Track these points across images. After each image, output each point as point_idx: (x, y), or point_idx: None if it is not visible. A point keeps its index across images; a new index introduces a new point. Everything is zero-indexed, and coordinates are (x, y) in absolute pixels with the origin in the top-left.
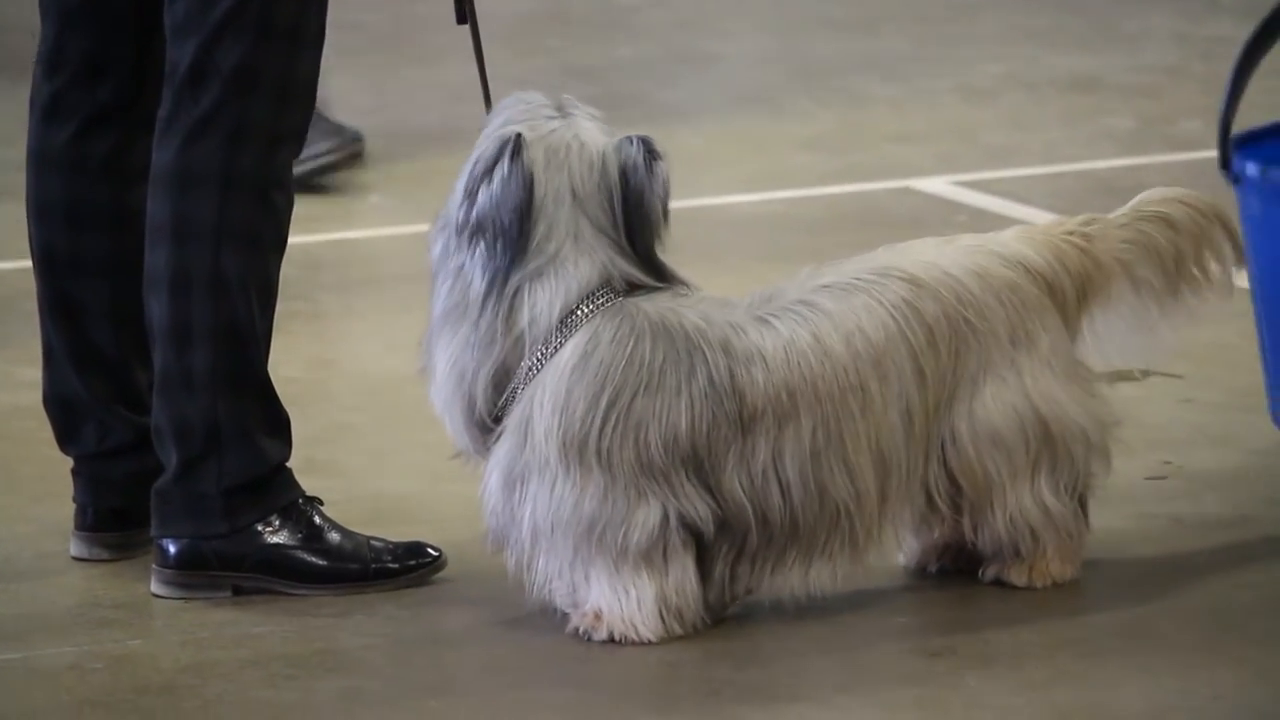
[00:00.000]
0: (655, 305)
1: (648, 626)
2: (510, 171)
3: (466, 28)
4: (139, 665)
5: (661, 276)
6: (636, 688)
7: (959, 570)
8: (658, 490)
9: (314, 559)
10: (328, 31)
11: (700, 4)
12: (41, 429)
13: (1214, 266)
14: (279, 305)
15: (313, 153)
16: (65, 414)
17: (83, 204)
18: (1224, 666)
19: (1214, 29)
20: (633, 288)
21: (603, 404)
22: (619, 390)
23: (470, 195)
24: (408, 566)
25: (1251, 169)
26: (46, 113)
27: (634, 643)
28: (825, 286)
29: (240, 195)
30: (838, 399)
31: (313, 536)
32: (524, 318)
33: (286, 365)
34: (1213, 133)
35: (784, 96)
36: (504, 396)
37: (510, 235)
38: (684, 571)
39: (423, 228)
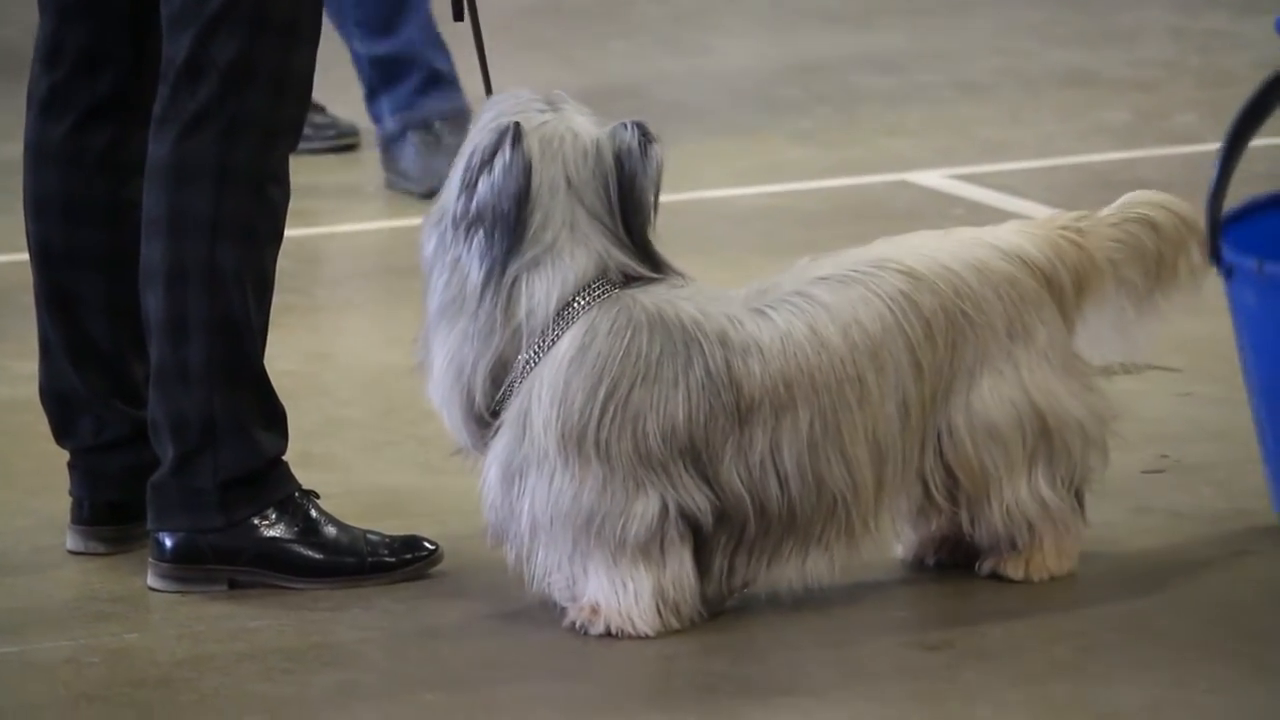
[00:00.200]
0: (652, 297)
1: (645, 620)
2: (511, 159)
3: (466, 23)
4: (136, 659)
5: (657, 266)
6: (633, 682)
7: (956, 564)
8: (656, 482)
9: (310, 553)
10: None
11: None
12: (38, 423)
13: (1184, 272)
14: (275, 298)
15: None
16: (61, 407)
17: (79, 198)
18: (1221, 660)
19: (1210, 23)
20: (629, 279)
21: (600, 396)
22: (617, 382)
23: (470, 186)
24: (404, 560)
25: (1247, 262)
26: (44, 106)
27: (631, 636)
28: (822, 278)
29: (236, 188)
30: (834, 390)
31: (309, 530)
32: (521, 309)
33: (283, 358)
34: (1208, 127)
35: (780, 90)
36: (502, 390)
37: (508, 223)
38: (681, 565)
39: (418, 221)
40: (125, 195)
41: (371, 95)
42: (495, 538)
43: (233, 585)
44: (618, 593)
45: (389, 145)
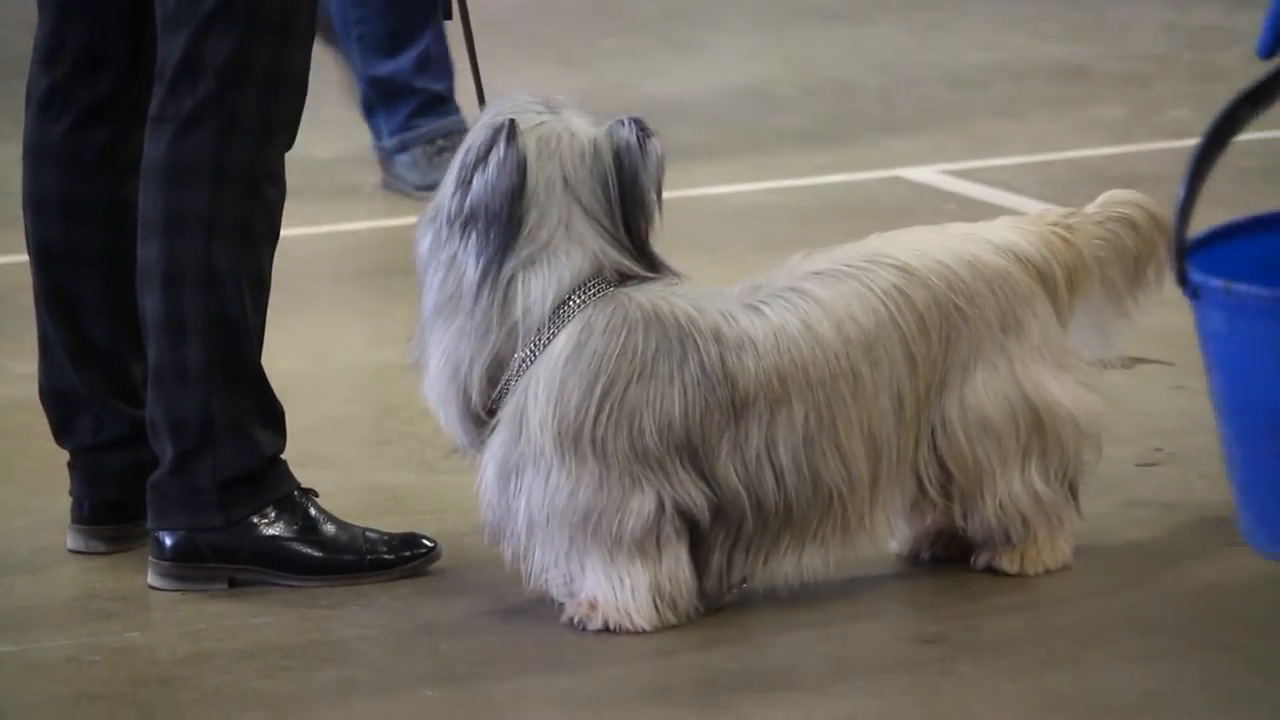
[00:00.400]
0: (646, 294)
1: (642, 615)
2: (505, 155)
3: (457, 21)
4: (136, 657)
5: (653, 266)
6: (631, 676)
7: (950, 558)
8: (652, 478)
9: (309, 550)
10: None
11: None
12: (37, 423)
13: (1152, 274)
14: (272, 298)
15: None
16: (61, 407)
17: (79, 197)
18: (1214, 652)
19: (1201, 18)
20: (624, 277)
21: (597, 393)
22: (613, 379)
23: (464, 183)
24: (403, 558)
25: (1214, 283)
26: (43, 105)
27: (629, 632)
28: (816, 274)
29: (231, 187)
30: (829, 385)
31: (308, 528)
32: (518, 307)
33: (281, 357)
34: (1201, 121)
35: (774, 87)
36: (498, 389)
37: (502, 220)
38: (678, 560)
39: (414, 219)
40: (123, 195)
41: (369, 111)
42: (492, 535)
43: (232, 583)
44: (615, 588)
45: (387, 157)
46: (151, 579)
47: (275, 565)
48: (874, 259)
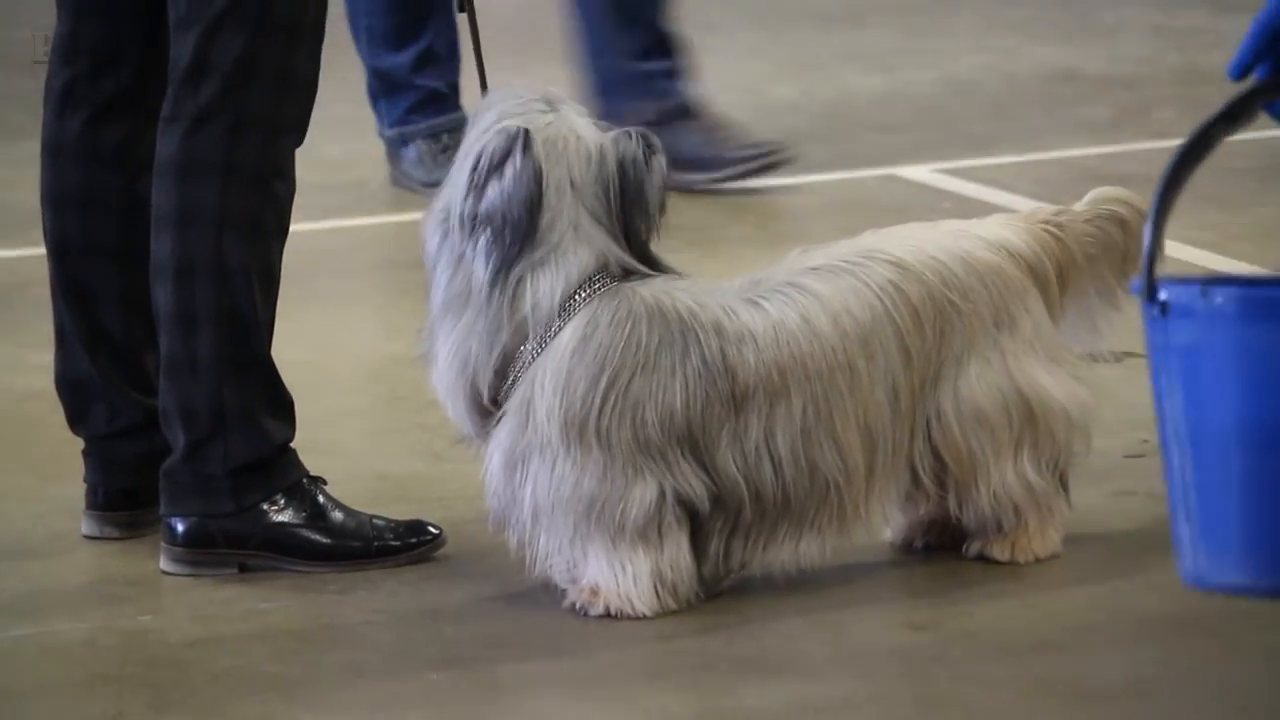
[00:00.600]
0: (650, 289)
1: (643, 601)
2: (523, 166)
3: (463, 17)
4: (149, 640)
5: (654, 267)
6: (632, 661)
7: (944, 546)
8: (654, 468)
9: (318, 537)
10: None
11: None
12: (53, 412)
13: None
14: (281, 291)
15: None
16: (76, 395)
17: (96, 192)
18: (1202, 639)
19: (1188, 20)
20: (628, 273)
21: (602, 385)
22: (617, 372)
23: (478, 188)
24: (409, 544)
25: (1185, 294)
26: (61, 102)
27: (630, 617)
28: (813, 269)
29: (241, 184)
30: (826, 377)
31: (317, 515)
32: (526, 304)
33: (290, 349)
34: (1187, 122)
35: (770, 87)
36: (506, 381)
37: (520, 228)
38: (678, 548)
39: (421, 215)
40: (138, 190)
41: (374, 99)
42: (498, 523)
43: (243, 569)
44: (617, 575)
45: (391, 147)
46: (164, 564)
47: (284, 551)
48: (870, 255)
